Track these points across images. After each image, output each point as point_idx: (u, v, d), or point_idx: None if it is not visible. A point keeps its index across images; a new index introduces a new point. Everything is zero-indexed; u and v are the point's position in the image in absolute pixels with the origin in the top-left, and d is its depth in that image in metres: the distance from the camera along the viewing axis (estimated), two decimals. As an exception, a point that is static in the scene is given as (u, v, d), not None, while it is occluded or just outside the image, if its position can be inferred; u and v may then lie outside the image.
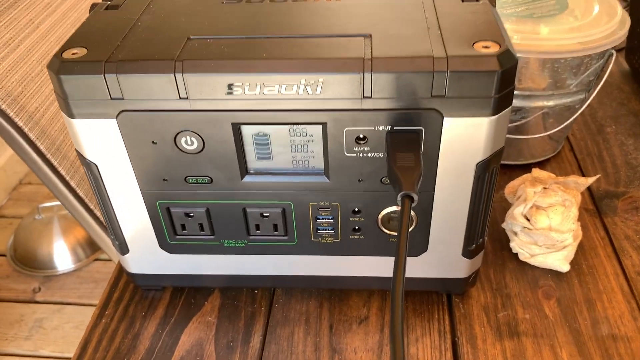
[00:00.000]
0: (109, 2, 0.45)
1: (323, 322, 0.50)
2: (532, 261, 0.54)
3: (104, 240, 0.80)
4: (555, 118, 0.62)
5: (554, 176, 0.56)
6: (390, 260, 0.48)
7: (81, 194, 0.75)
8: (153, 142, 0.41)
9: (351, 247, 0.47)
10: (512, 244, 0.55)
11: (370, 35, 0.39)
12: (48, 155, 0.71)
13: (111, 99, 0.39)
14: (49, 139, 0.71)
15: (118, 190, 0.44)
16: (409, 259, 0.48)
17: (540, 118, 0.61)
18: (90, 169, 0.43)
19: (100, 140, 0.41)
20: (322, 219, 0.45)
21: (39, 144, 0.70)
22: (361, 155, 0.41)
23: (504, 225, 0.57)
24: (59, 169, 0.72)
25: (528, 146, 0.65)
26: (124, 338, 0.50)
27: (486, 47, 0.37)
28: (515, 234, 0.55)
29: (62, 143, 0.73)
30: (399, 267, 0.33)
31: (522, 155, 0.66)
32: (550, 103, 0.60)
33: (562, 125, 0.61)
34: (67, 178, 0.73)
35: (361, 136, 0.40)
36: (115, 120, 0.40)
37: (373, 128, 0.39)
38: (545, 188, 0.54)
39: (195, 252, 0.48)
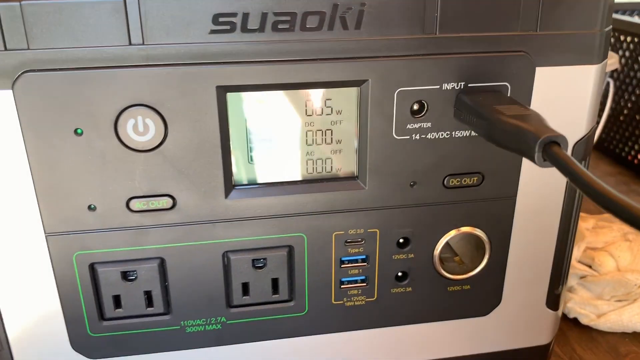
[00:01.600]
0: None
1: None
2: (602, 324, 0.39)
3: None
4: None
5: (597, 215, 0.45)
6: (455, 328, 0.31)
7: None
8: (77, 130, 0.24)
9: (394, 311, 0.30)
10: (568, 306, 0.41)
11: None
12: None
13: (6, 49, 0.22)
14: None
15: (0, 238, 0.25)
16: (471, 321, 0.32)
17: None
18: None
19: (-24, 133, 0.23)
20: (351, 261, 0.29)
21: None
22: (417, 136, 0.26)
23: (548, 284, 0.43)
24: None
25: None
26: None
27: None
28: (571, 289, 0.41)
29: None
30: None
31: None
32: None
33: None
34: None
35: (417, 106, 0.26)
36: (10, 90, 0.23)
37: (439, 86, 0.26)
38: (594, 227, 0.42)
39: (136, 352, 0.28)
